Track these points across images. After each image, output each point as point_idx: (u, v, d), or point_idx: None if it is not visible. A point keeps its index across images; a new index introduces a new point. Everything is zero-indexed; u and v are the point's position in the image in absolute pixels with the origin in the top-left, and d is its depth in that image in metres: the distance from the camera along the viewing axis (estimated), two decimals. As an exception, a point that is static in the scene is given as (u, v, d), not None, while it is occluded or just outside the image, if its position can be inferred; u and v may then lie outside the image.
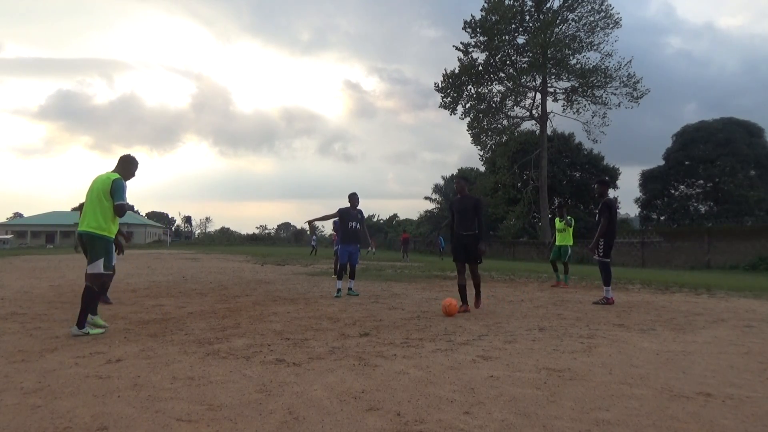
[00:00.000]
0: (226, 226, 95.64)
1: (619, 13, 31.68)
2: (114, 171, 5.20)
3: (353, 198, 8.55)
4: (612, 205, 7.78)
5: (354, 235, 8.48)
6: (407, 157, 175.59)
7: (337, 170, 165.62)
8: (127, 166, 5.28)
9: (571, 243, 10.78)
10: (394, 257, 28.92)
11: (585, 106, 33.48)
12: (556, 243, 10.87)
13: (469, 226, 6.70)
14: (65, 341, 4.54)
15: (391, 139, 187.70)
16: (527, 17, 33.04)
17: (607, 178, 8.04)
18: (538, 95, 34.35)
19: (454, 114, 34.45)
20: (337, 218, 8.71)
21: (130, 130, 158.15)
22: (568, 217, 10.95)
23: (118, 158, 5.31)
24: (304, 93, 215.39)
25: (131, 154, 5.35)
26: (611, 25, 31.79)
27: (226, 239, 78.50)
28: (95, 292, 4.94)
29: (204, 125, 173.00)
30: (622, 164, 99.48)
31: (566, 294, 9.21)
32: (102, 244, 4.94)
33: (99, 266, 4.90)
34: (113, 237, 5.13)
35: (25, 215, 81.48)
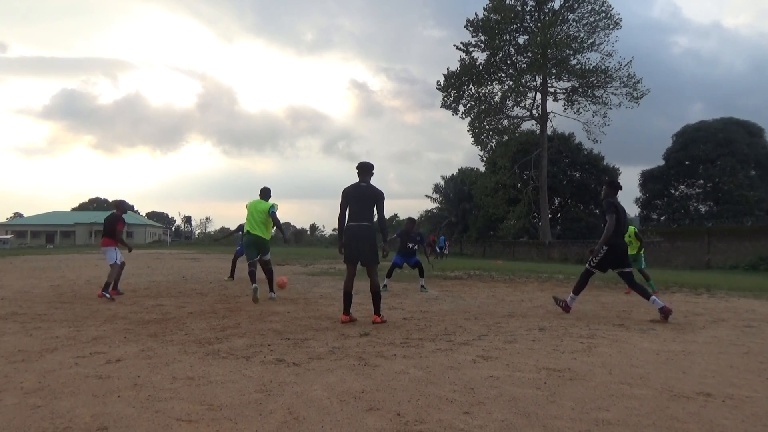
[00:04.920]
0: (226, 226, 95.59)
1: (619, 14, 31.81)
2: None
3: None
4: (618, 206, 6.54)
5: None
6: (412, 156, 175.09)
7: (340, 169, 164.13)
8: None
9: None
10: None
11: (585, 106, 33.57)
12: None
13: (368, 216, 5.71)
14: (65, 341, 4.54)
15: (396, 138, 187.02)
16: (528, 17, 33.09)
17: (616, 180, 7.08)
18: (539, 95, 34.41)
19: (456, 114, 34.56)
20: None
21: (134, 130, 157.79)
22: None
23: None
24: (309, 92, 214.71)
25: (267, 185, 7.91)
26: (611, 26, 31.89)
27: (226, 239, 78.26)
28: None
29: (208, 125, 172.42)
30: (622, 164, 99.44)
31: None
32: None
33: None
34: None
35: (26, 215, 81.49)
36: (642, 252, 10.11)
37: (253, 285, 7.38)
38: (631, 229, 9.92)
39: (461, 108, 34.48)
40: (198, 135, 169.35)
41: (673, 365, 3.88)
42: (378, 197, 5.68)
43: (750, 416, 2.77)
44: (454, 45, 34.07)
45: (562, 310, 6.75)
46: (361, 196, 5.66)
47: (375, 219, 5.70)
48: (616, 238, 6.39)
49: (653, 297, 6.22)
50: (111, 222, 8.40)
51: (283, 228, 8.16)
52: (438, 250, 30.16)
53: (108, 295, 7.70)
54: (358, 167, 5.86)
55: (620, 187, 6.76)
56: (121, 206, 8.50)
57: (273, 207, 7.72)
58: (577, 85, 33.05)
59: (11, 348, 4.24)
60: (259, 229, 7.65)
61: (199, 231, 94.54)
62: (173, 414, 2.70)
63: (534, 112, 34.91)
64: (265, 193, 7.93)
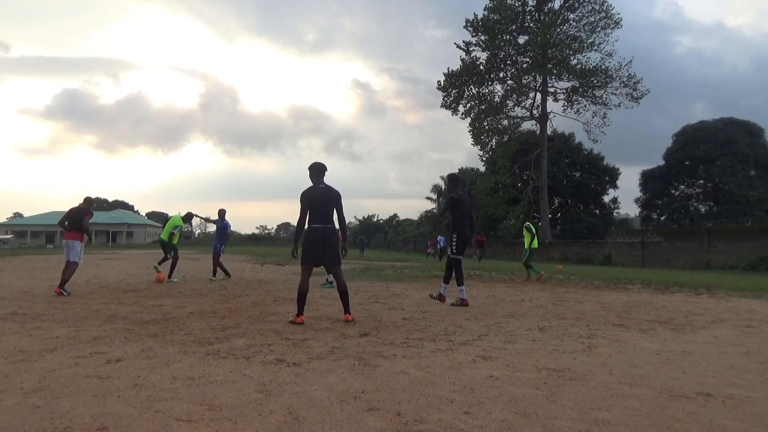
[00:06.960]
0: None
1: (619, 13, 31.77)
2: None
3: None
4: (460, 200, 7.29)
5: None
6: (413, 156, 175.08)
7: (342, 169, 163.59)
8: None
9: None
10: (396, 258, 28.88)
11: (585, 106, 33.53)
12: None
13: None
14: (65, 341, 4.54)
15: (398, 138, 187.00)
16: (528, 17, 33.09)
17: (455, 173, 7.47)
18: (539, 95, 34.38)
19: (456, 114, 34.55)
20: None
21: (135, 130, 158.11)
22: None
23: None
24: (311, 92, 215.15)
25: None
26: (612, 26, 31.86)
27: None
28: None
29: (209, 125, 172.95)
30: (622, 164, 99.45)
31: (566, 294, 9.21)
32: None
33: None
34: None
35: (26, 215, 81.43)
36: (534, 245, 10.89)
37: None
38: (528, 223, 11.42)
39: (461, 108, 34.49)
40: (199, 135, 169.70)
41: (673, 365, 3.88)
42: (339, 198, 5.75)
43: (750, 416, 2.77)
44: (455, 43, 34.12)
45: (440, 301, 7.39)
46: (324, 198, 5.66)
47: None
48: (463, 228, 7.28)
49: (445, 286, 7.36)
50: (78, 214, 8.57)
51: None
52: (440, 250, 30.13)
53: (66, 293, 8.05)
54: (311, 168, 5.80)
55: (460, 180, 7.65)
56: (89, 202, 9.12)
57: (178, 225, 11.91)
58: (577, 85, 33.03)
59: (11, 348, 4.24)
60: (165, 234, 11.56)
61: (199, 231, 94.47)
62: (173, 414, 2.70)
63: (534, 112, 34.90)
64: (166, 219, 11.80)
